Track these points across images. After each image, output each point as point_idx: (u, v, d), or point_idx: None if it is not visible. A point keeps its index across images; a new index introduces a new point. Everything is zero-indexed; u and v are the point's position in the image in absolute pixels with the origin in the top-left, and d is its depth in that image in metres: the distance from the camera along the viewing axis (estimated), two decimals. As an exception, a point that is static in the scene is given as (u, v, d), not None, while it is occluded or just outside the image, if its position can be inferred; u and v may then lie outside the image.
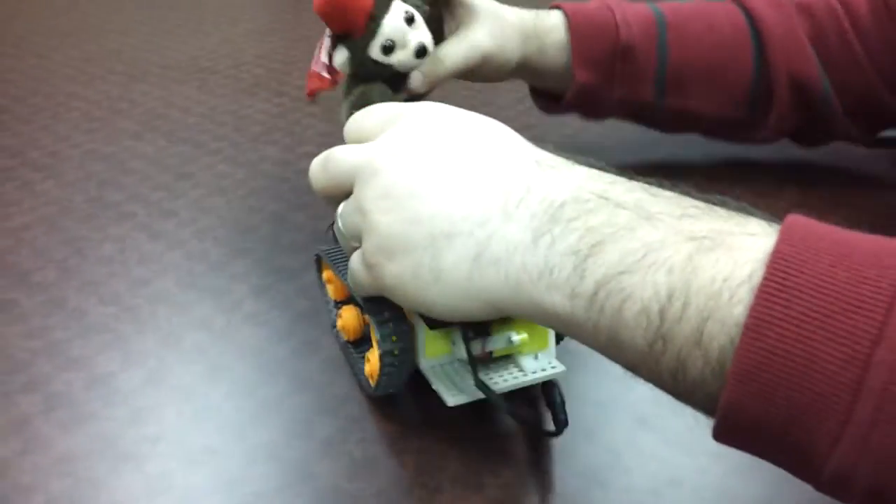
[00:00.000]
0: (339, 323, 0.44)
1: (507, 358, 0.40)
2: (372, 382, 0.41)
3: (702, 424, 0.41)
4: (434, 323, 0.37)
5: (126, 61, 0.94)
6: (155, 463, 0.39)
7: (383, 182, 0.34)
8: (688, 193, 0.30)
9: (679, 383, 0.27)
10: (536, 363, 0.39)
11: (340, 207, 0.38)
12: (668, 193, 0.30)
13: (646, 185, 0.30)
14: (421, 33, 0.50)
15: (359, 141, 0.38)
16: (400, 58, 0.49)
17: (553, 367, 0.39)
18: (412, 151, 0.34)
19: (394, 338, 0.38)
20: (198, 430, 0.41)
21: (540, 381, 0.39)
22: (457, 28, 0.58)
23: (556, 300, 0.29)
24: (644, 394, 0.44)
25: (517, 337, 0.38)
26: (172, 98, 0.83)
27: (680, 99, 0.62)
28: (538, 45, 0.60)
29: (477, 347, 0.38)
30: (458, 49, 0.56)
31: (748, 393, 0.24)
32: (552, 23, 0.61)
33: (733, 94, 0.62)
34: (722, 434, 0.27)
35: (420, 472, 0.39)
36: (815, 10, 0.61)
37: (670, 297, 0.26)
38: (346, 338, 0.44)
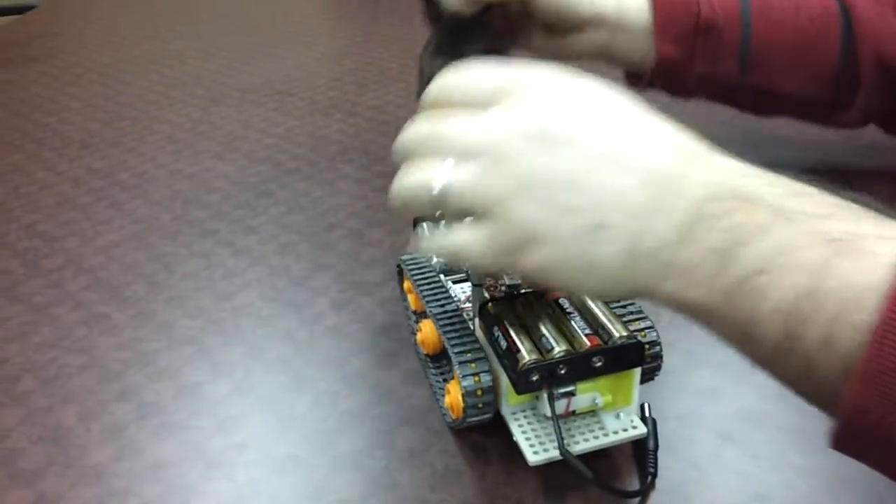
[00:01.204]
0: (419, 336, 0.45)
1: (590, 413, 0.39)
2: (452, 416, 0.41)
3: (788, 439, 0.40)
4: (522, 388, 0.36)
5: (206, 85, 0.98)
6: (242, 470, 0.40)
7: (523, 167, 0.32)
8: (824, 188, 0.30)
9: (805, 383, 0.28)
10: (618, 423, 0.39)
11: (445, 178, 0.33)
12: (808, 189, 0.30)
13: (786, 180, 0.30)
14: None
15: (453, 105, 0.35)
16: None
17: (635, 428, 0.38)
18: (552, 133, 0.32)
19: (476, 378, 0.38)
20: (283, 439, 0.42)
21: (621, 442, 0.38)
22: None
23: (697, 295, 0.30)
24: (727, 408, 0.43)
25: (601, 399, 0.38)
26: (251, 120, 0.86)
27: (763, 77, 0.62)
28: (618, 13, 0.60)
29: (561, 406, 0.37)
30: None
31: (873, 395, 0.24)
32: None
33: (818, 74, 0.61)
34: (843, 439, 0.27)
35: (502, 485, 0.39)
36: None
37: (803, 298, 0.26)
38: (424, 352, 0.45)
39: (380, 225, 0.63)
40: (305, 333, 0.50)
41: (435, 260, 0.47)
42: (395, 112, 0.86)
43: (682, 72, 0.62)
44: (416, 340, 0.46)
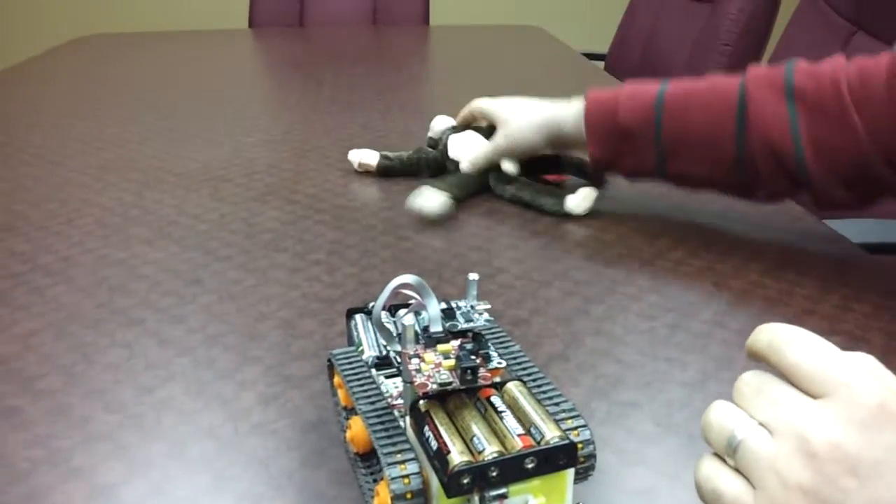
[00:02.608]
0: (349, 434, 0.43)
1: None
2: None
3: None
4: (454, 492, 0.35)
5: (141, 169, 0.96)
6: (155, 581, 0.38)
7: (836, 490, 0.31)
8: None
9: None
10: None
11: (749, 433, 0.33)
12: None
13: None
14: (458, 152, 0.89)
15: (794, 375, 0.34)
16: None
17: None
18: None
19: (406, 480, 0.37)
20: (201, 546, 0.40)
21: None
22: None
23: None
24: (663, 510, 0.42)
25: (535, 501, 0.37)
26: (185, 205, 0.84)
27: (680, 167, 0.73)
28: (558, 132, 0.80)
29: None
30: (483, 151, 0.86)
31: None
32: (575, 109, 0.79)
33: (723, 162, 0.70)
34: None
35: None
36: (821, 77, 0.65)
37: None
38: (354, 450, 0.43)
39: (312, 315, 0.62)
40: (230, 430, 0.48)
41: (367, 354, 0.46)
42: (331, 200, 0.86)
43: (614, 165, 0.78)
44: (345, 438, 0.44)
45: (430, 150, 0.94)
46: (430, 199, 0.81)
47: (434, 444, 0.36)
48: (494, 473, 0.35)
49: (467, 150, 0.89)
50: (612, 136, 0.76)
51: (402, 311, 0.47)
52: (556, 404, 0.41)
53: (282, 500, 0.43)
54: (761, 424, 0.33)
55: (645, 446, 0.47)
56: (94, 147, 1.06)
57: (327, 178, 0.93)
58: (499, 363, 0.40)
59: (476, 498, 0.35)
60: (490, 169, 0.87)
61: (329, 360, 0.48)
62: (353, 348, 0.47)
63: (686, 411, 0.51)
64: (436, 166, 0.92)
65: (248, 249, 0.74)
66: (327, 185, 0.91)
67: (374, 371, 0.45)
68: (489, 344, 0.41)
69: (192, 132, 1.13)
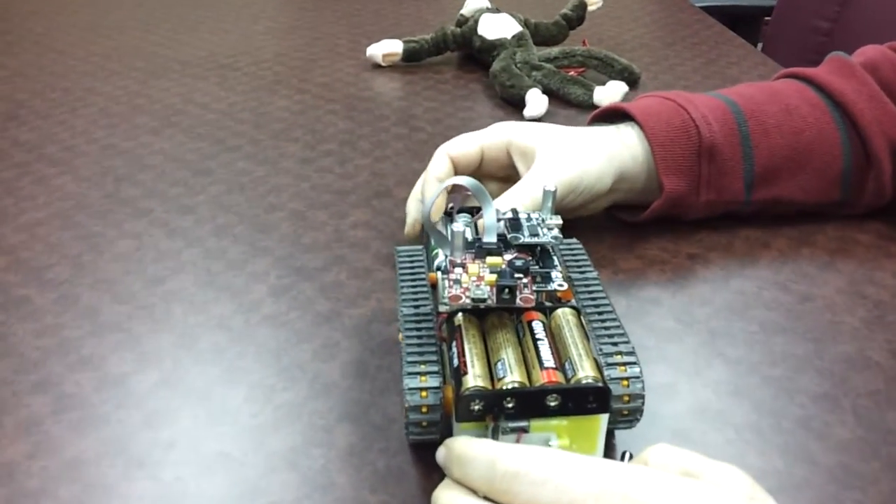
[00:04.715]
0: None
1: None
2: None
3: (744, 439, 0.39)
4: (462, 416, 0.33)
5: (145, 57, 0.93)
6: (168, 469, 0.37)
7: None
8: None
9: None
10: None
11: None
12: None
13: None
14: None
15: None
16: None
17: None
18: None
19: (423, 394, 0.35)
20: (213, 436, 0.39)
21: None
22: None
23: None
24: (683, 406, 0.41)
25: (556, 442, 0.34)
26: (191, 94, 0.82)
27: (769, 191, 0.56)
28: (621, 169, 0.53)
29: (510, 441, 0.33)
30: (531, 191, 0.49)
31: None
32: (623, 134, 0.55)
33: (825, 176, 0.57)
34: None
35: (446, 485, 0.36)
36: (880, 65, 0.58)
37: None
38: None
39: (323, 207, 0.60)
40: (240, 322, 0.47)
41: (441, 258, 0.42)
42: (343, 90, 0.83)
43: (688, 201, 0.56)
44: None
45: (455, 28, 0.90)
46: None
47: (455, 362, 0.35)
48: (510, 405, 0.33)
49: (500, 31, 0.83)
50: (694, 159, 0.54)
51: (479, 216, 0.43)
52: (614, 344, 0.37)
53: (294, 391, 0.42)
54: None
55: (665, 343, 0.46)
56: (97, 34, 1.02)
57: (338, 66, 0.90)
58: (560, 286, 0.37)
59: (490, 426, 0.33)
60: (508, 52, 0.82)
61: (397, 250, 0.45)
62: (418, 247, 0.44)
63: (707, 308, 0.49)
64: (463, 41, 0.89)
65: (257, 139, 0.71)
66: (338, 75, 0.87)
67: (440, 275, 0.41)
68: (556, 263, 0.38)
69: (198, 19, 1.09)
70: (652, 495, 0.27)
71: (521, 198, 0.48)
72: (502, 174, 0.54)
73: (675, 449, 0.32)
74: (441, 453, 0.33)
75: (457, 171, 0.52)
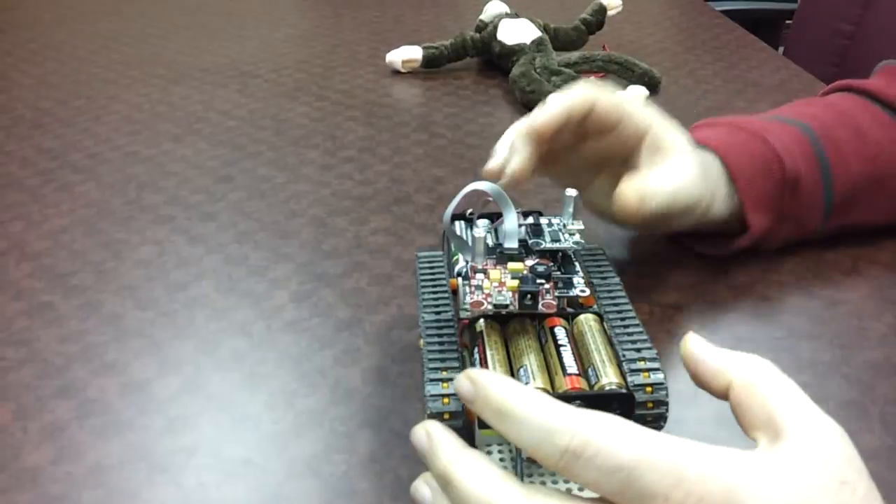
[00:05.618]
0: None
1: None
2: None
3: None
4: (485, 423, 0.31)
5: (166, 65, 0.94)
6: (190, 475, 0.38)
7: None
8: None
9: None
10: None
11: None
12: None
13: None
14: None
15: None
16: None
17: None
18: None
19: (445, 400, 0.33)
20: (235, 441, 0.39)
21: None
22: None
23: None
24: (706, 413, 0.41)
25: None
26: (212, 101, 0.82)
27: (846, 219, 0.54)
28: (711, 200, 0.49)
29: None
30: (659, 188, 0.45)
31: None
32: (700, 163, 0.49)
33: None
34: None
35: (468, 492, 0.36)
36: None
37: None
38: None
39: (344, 213, 0.60)
40: (262, 328, 0.48)
41: (461, 264, 0.41)
42: (363, 96, 0.83)
43: (770, 238, 0.52)
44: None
45: (474, 34, 0.90)
46: None
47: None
48: None
49: (521, 34, 0.84)
50: (778, 193, 0.51)
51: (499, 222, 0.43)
52: (638, 350, 0.36)
53: (315, 397, 0.42)
54: None
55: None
56: (119, 42, 1.03)
57: (358, 73, 0.90)
58: (582, 291, 0.37)
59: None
60: (527, 57, 0.83)
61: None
62: (439, 253, 0.44)
63: (732, 314, 0.49)
64: (482, 47, 0.89)
65: (277, 146, 0.72)
66: (358, 81, 0.88)
67: (460, 280, 0.40)
68: (577, 269, 0.38)
69: (219, 27, 1.09)
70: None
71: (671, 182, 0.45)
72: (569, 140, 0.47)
73: (764, 382, 0.30)
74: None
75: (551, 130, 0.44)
